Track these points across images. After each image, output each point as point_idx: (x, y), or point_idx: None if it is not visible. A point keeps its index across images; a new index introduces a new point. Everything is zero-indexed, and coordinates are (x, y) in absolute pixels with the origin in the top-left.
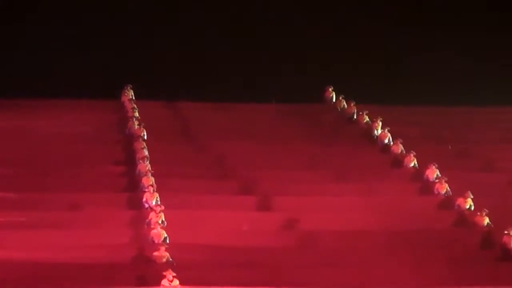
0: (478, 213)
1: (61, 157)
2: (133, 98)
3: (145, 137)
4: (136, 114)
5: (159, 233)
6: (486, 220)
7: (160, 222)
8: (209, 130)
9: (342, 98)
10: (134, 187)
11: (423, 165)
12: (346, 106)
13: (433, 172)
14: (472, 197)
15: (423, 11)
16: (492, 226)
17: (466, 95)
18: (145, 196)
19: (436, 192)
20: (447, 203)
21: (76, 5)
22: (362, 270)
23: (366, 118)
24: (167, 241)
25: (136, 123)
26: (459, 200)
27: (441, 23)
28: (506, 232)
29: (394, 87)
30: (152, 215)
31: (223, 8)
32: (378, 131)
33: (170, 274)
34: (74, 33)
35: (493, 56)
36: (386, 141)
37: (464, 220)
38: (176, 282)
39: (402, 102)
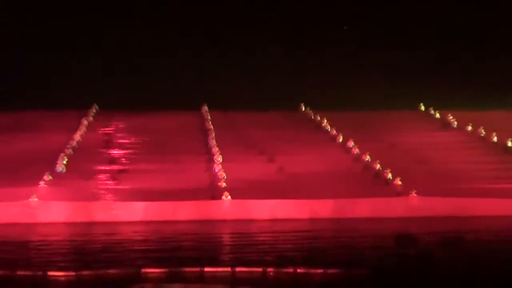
0: (374, 162)
1: (167, 140)
2: (207, 109)
3: (213, 129)
4: (209, 117)
5: (222, 174)
6: (378, 166)
7: (221, 168)
8: (242, 123)
9: (309, 108)
10: (208, 152)
11: (346, 140)
12: (308, 112)
13: (350, 143)
14: (369, 154)
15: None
16: (381, 169)
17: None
18: (214, 156)
19: (352, 152)
20: (358, 158)
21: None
22: (314, 190)
23: (318, 118)
24: (225, 177)
25: (209, 122)
26: (363, 156)
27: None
28: (385, 171)
29: (341, 98)
30: (216, 165)
31: None
32: (323, 124)
33: (226, 193)
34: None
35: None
36: (328, 129)
37: (366, 166)
38: (229, 197)
39: (343, 108)
